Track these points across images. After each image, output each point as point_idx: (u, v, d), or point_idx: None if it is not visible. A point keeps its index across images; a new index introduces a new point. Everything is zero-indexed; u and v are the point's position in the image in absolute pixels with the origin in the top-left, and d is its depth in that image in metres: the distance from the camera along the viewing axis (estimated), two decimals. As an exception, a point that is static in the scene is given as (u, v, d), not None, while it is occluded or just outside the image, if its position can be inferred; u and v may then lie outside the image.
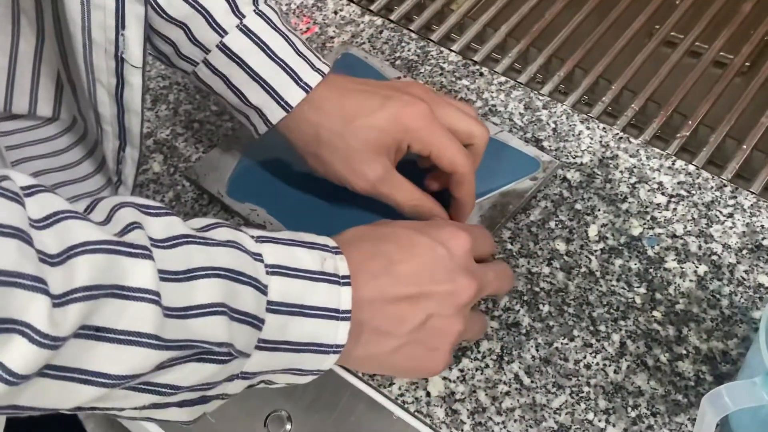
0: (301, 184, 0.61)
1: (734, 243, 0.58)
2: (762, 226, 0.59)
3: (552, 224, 0.60)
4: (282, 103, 0.54)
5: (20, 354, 0.31)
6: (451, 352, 0.48)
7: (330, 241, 0.45)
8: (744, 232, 0.58)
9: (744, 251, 0.58)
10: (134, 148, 0.55)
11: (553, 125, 0.65)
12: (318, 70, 0.54)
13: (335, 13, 0.75)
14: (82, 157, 0.59)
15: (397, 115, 0.53)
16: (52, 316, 0.31)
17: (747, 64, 0.71)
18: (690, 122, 0.66)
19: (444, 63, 0.70)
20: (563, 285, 0.57)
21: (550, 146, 0.64)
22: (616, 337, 0.54)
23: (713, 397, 0.42)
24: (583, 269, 0.57)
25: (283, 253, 0.42)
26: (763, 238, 0.58)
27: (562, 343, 0.54)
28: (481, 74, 0.69)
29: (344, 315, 0.43)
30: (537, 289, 0.57)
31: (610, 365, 0.53)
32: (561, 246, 0.59)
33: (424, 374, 0.50)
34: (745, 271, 0.57)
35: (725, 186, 0.61)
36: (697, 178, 0.62)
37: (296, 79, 0.54)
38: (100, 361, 0.34)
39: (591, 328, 0.55)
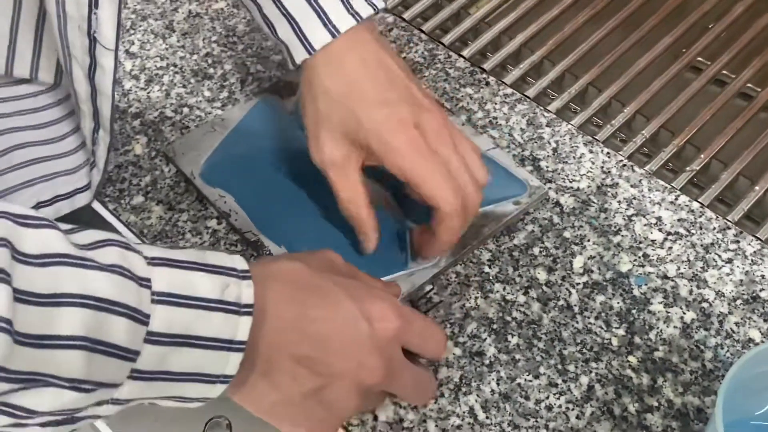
0: (276, 178, 0.58)
1: (729, 291, 0.54)
2: (762, 276, 0.54)
3: (536, 250, 0.56)
4: (306, 44, 0.51)
5: None
6: (338, 426, 0.45)
7: (240, 263, 0.40)
8: (741, 280, 0.54)
9: (738, 301, 0.53)
10: (106, 131, 0.54)
11: (554, 145, 0.62)
12: (354, 14, 0.51)
13: (347, 6, 0.72)
14: (67, 133, 0.58)
15: (381, 126, 0.49)
16: None
17: (775, 98, 0.66)
18: (702, 156, 0.61)
19: (450, 68, 0.67)
20: (537, 317, 0.53)
21: (547, 167, 0.60)
22: (584, 380, 0.50)
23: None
24: (561, 302, 0.54)
25: (177, 278, 0.38)
26: (761, 290, 0.54)
27: (525, 380, 0.50)
28: (487, 83, 0.66)
29: (238, 346, 0.39)
30: (509, 318, 0.53)
31: (573, 409, 0.49)
32: (541, 275, 0.55)
33: None
34: (736, 324, 0.52)
35: (729, 228, 0.57)
36: (700, 216, 0.57)
37: (325, 21, 0.51)
38: None
39: (559, 366, 0.51)
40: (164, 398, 0.39)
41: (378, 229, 0.53)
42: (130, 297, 0.36)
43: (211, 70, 0.68)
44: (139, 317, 0.36)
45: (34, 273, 0.33)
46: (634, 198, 0.58)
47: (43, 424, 0.36)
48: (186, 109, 0.65)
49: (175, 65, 0.68)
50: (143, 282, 0.37)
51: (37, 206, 0.56)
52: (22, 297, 0.32)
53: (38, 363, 0.33)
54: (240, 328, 0.39)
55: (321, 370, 0.42)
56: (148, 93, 0.66)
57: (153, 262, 0.38)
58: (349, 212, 0.52)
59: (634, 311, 0.53)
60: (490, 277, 0.55)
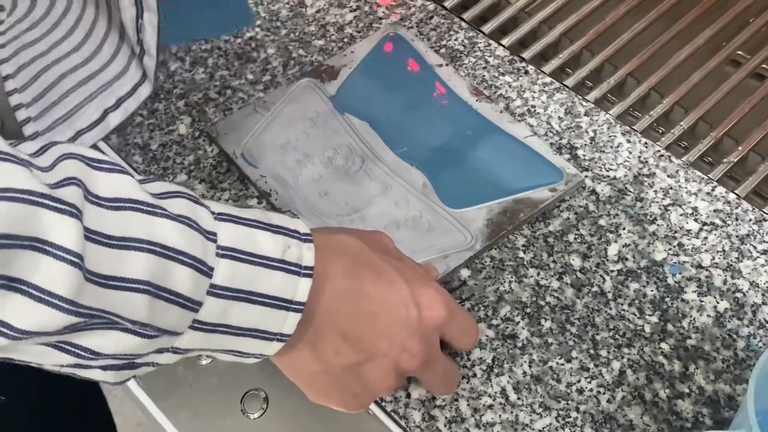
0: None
1: (763, 282, 0.54)
2: (798, 269, 0.54)
3: (571, 237, 0.57)
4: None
5: None
6: (369, 403, 0.46)
7: (302, 227, 0.42)
8: (776, 272, 0.54)
9: (773, 292, 0.53)
10: (152, 11, 0.55)
11: (591, 134, 0.62)
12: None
13: (388, -7, 0.73)
14: (102, 40, 0.59)
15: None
16: None
17: (815, 93, 0.66)
18: (740, 148, 0.61)
19: (490, 57, 0.68)
20: (570, 302, 0.54)
21: (584, 155, 0.61)
22: (616, 365, 0.51)
23: (691, 445, 0.39)
24: (595, 288, 0.54)
25: (242, 234, 0.39)
26: (796, 282, 0.54)
27: (557, 363, 0.51)
28: (526, 72, 0.66)
29: (297, 306, 0.40)
30: (542, 302, 0.54)
31: (604, 393, 0.50)
32: (576, 261, 0.56)
33: (334, 407, 0.46)
34: (770, 314, 0.53)
35: (765, 220, 0.57)
36: (736, 208, 0.58)
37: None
38: (6, 311, 0.32)
39: (591, 351, 0.52)
40: (222, 351, 0.41)
41: None
42: (197, 248, 0.37)
43: (255, 54, 0.69)
44: (204, 269, 0.37)
45: (105, 215, 0.34)
46: (671, 188, 0.59)
47: (104, 367, 0.37)
48: (229, 91, 0.66)
49: (219, 48, 0.69)
50: (209, 235, 0.38)
51: (106, 113, 0.58)
52: (91, 236, 0.33)
53: (105, 301, 0.34)
54: (300, 288, 0.40)
55: (365, 347, 0.43)
56: (193, 75, 0.68)
57: (219, 217, 0.39)
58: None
59: (667, 299, 0.53)
60: (525, 262, 0.55)
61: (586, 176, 0.60)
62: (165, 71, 0.68)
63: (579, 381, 0.50)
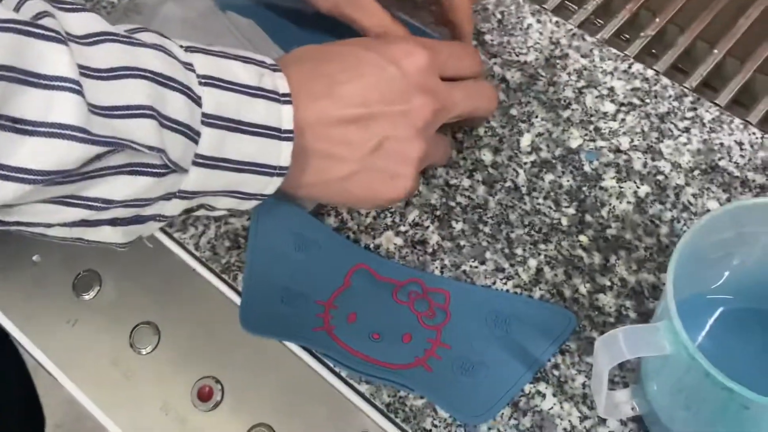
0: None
1: (686, 162, 0.50)
2: (721, 144, 0.51)
3: (481, 131, 0.52)
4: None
5: None
6: (415, 177, 0.44)
7: (267, 59, 0.41)
8: (699, 149, 0.51)
9: (696, 172, 0.50)
10: None
11: (499, 16, 0.57)
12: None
13: None
14: None
15: None
16: None
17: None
18: (657, 20, 0.57)
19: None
20: (483, 201, 0.50)
21: (492, 40, 0.56)
22: (533, 263, 0.47)
23: (607, 341, 0.35)
24: (508, 184, 0.50)
25: (217, 64, 0.38)
26: (720, 158, 0.50)
27: (471, 266, 0.47)
28: (426, -46, 0.60)
29: (286, 135, 0.40)
30: (452, 203, 0.50)
31: (521, 294, 0.46)
32: (487, 156, 0.51)
33: (383, 202, 0.45)
34: (693, 195, 0.49)
35: (685, 96, 0.53)
36: (655, 85, 0.53)
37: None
38: (19, 155, 0.31)
39: (506, 250, 0.48)
40: (225, 193, 0.40)
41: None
42: (180, 75, 0.36)
43: (125, -46, 0.62)
44: (193, 96, 0.37)
45: (85, 50, 0.33)
46: (585, 69, 0.54)
47: (113, 222, 0.37)
48: (98, -2, 0.59)
49: (84, -50, 0.62)
50: (187, 65, 0.37)
51: None
52: (82, 72, 0.32)
53: (117, 130, 0.33)
54: (284, 117, 0.40)
55: (371, 125, 0.42)
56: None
57: (189, 48, 0.38)
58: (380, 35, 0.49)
59: (585, 188, 0.50)
60: (432, 161, 0.51)
61: (495, 63, 0.55)
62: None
63: (494, 283, 0.47)
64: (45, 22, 0.32)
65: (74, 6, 0.35)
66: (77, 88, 0.32)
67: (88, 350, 0.47)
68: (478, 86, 0.48)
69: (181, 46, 0.38)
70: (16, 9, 0.34)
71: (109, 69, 0.34)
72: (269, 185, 0.41)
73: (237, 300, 0.47)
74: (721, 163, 0.50)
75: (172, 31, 0.55)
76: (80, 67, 0.33)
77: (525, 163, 0.51)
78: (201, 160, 0.38)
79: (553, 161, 0.51)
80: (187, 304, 0.48)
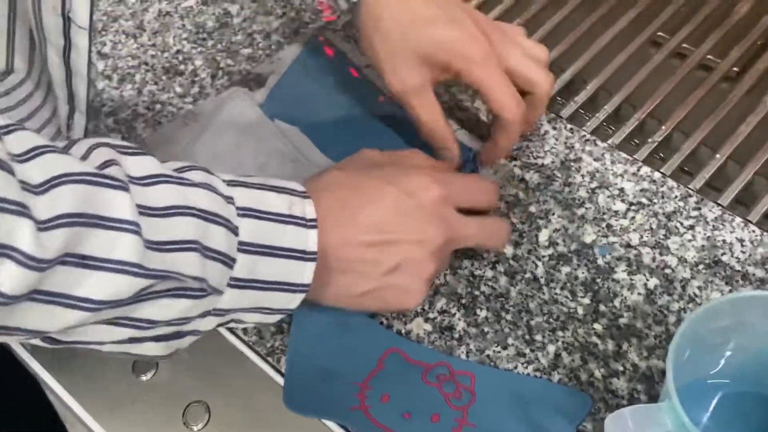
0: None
1: (691, 257, 0.55)
2: (723, 241, 0.55)
3: (502, 226, 0.57)
4: None
5: (9, 276, 0.33)
6: (424, 292, 0.49)
7: (298, 186, 0.47)
8: (703, 246, 0.55)
9: (700, 266, 0.55)
10: (81, 113, 0.56)
11: (518, 123, 0.63)
12: None
13: (313, -2, 0.73)
14: (44, 123, 0.59)
15: (457, 42, 0.53)
16: (38, 239, 0.33)
17: (735, 69, 0.67)
18: (663, 127, 0.62)
19: (416, 54, 0.68)
20: (505, 290, 0.54)
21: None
22: (551, 348, 0.52)
23: (616, 419, 0.40)
24: (528, 275, 0.55)
25: (253, 196, 0.44)
26: (723, 254, 0.55)
27: (494, 351, 0.52)
28: (452, 67, 0.67)
29: (310, 256, 0.44)
30: (477, 292, 0.54)
31: (540, 377, 0.51)
32: (508, 250, 0.56)
33: (394, 312, 0.52)
34: (699, 288, 0.54)
35: (690, 196, 0.58)
36: (662, 186, 0.59)
37: None
38: (85, 287, 0.36)
39: (527, 336, 0.52)
40: (253, 310, 0.45)
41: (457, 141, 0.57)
42: (222, 209, 0.42)
43: (182, 67, 0.69)
44: (231, 227, 0.42)
45: (143, 191, 0.39)
46: (597, 171, 0.60)
47: (156, 338, 0.42)
48: (158, 106, 0.66)
49: (146, 63, 0.69)
50: (228, 199, 0.43)
51: None
52: (140, 211, 0.38)
53: (167, 263, 0.38)
54: (309, 239, 0.44)
55: (389, 249, 0.47)
56: (121, 92, 0.67)
57: (231, 183, 0.44)
58: (432, 134, 0.56)
59: (598, 280, 0.54)
60: (459, 254, 0.56)
61: (515, 165, 0.60)
62: (93, 90, 0.67)
63: (516, 367, 0.51)
64: (110, 171, 0.38)
65: (135, 150, 0.41)
66: (137, 229, 0.37)
67: (146, 427, 0.51)
68: (491, 223, 0.53)
69: (224, 181, 0.44)
70: (85, 156, 0.39)
71: (162, 208, 0.39)
72: (293, 301, 0.45)
73: (281, 381, 0.52)
74: (724, 258, 0.55)
75: (226, 137, 0.62)
76: (139, 206, 0.38)
77: (543, 257, 0.56)
78: (234, 282, 0.42)
79: (569, 255, 0.56)
80: (235, 384, 0.52)
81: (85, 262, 0.35)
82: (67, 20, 0.49)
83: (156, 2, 0.74)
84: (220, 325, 0.45)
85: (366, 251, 0.47)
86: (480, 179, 0.55)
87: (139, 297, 0.38)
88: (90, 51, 0.51)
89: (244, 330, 0.54)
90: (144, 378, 0.53)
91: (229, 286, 0.42)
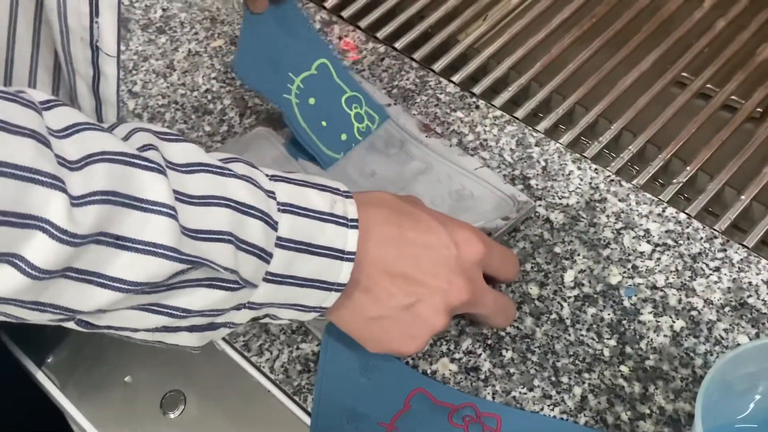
0: None
1: (717, 299, 0.55)
2: (749, 283, 0.55)
3: (528, 266, 0.58)
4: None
5: (42, 249, 0.33)
6: (427, 342, 0.49)
7: (341, 186, 0.47)
8: (729, 288, 0.55)
9: (726, 308, 0.54)
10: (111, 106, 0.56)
11: (543, 163, 0.63)
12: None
13: (339, 39, 0.74)
14: None
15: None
16: (71, 214, 0.33)
17: (759, 109, 0.67)
18: (688, 168, 0.63)
19: (441, 94, 0.69)
20: (530, 331, 0.55)
21: (537, 185, 0.62)
22: (577, 390, 0.52)
23: (645, 466, 0.39)
24: (554, 316, 0.55)
25: (295, 192, 0.44)
26: (749, 296, 0.55)
27: (520, 392, 0.52)
28: (477, 107, 0.68)
29: (348, 256, 0.44)
30: (502, 333, 0.55)
31: (567, 420, 0.51)
32: (534, 290, 0.56)
33: (393, 352, 0.49)
34: (725, 330, 0.54)
35: (715, 238, 0.58)
36: (687, 227, 0.59)
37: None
38: (118, 267, 0.36)
39: (553, 378, 0.52)
40: (288, 306, 0.45)
41: None
42: (263, 203, 0.42)
43: (211, 106, 0.70)
44: (271, 222, 0.42)
45: (183, 178, 0.39)
46: (622, 212, 0.60)
47: (190, 328, 0.42)
48: (187, 144, 0.67)
49: (176, 102, 0.71)
50: (269, 193, 0.43)
51: None
52: (177, 197, 0.38)
53: (201, 250, 0.38)
54: (349, 239, 0.44)
55: (414, 288, 0.47)
56: (151, 130, 0.69)
57: (273, 178, 0.44)
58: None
59: (624, 322, 0.54)
60: (484, 294, 0.56)
61: (540, 205, 0.61)
62: (123, 128, 0.69)
63: (542, 409, 0.51)
64: (149, 154, 0.38)
65: (177, 137, 0.41)
66: (172, 213, 0.37)
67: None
68: (505, 300, 0.54)
69: (267, 175, 0.44)
70: (126, 138, 0.39)
71: (200, 196, 0.39)
72: (327, 299, 0.45)
73: (307, 420, 0.52)
74: (750, 301, 0.55)
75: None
76: (176, 192, 0.38)
77: (569, 297, 0.56)
78: (270, 277, 0.43)
79: (595, 296, 0.56)
80: (262, 422, 0.53)
81: (117, 242, 0.36)
82: (95, 50, 0.50)
83: (186, 42, 0.75)
84: (254, 319, 0.45)
85: (392, 281, 0.47)
86: (512, 253, 0.55)
87: (173, 284, 0.39)
88: (119, 79, 0.52)
89: (271, 368, 0.54)
90: (172, 415, 0.54)
91: (265, 280, 0.42)
